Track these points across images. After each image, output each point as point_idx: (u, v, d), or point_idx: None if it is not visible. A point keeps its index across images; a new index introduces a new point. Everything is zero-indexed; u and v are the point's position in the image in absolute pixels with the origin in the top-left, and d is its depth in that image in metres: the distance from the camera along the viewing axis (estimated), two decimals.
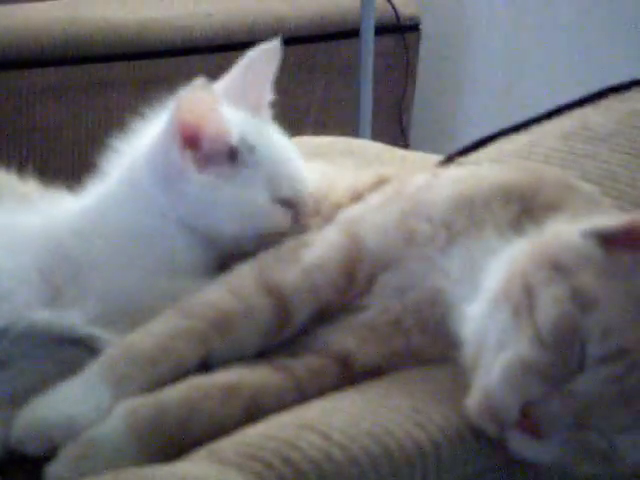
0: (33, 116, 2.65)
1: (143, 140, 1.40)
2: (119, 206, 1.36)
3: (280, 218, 1.36)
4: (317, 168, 1.48)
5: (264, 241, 1.34)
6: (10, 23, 2.71)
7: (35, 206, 1.39)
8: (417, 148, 2.92)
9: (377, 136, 2.78)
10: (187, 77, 1.31)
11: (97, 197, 1.38)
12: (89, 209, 1.37)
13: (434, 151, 1.76)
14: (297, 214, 1.37)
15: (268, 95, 1.44)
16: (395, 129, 3.10)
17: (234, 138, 1.35)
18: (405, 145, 3.07)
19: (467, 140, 1.62)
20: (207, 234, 1.36)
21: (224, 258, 1.35)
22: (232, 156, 1.35)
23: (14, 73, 2.66)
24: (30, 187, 1.49)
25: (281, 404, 1.20)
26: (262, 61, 1.43)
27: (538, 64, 3.17)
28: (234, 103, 1.40)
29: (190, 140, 1.33)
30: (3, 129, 2.61)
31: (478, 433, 1.16)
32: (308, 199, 1.38)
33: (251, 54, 1.43)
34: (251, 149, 1.36)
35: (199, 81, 1.32)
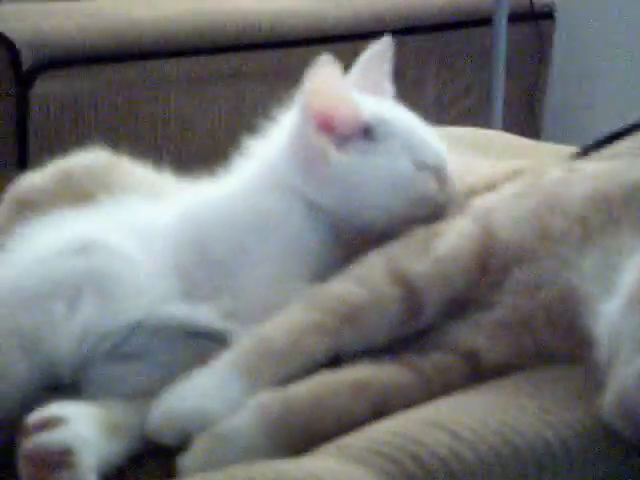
0: (168, 105, 2.65)
1: (278, 132, 1.38)
2: (258, 198, 1.35)
3: (426, 183, 1.34)
4: (454, 156, 1.44)
5: (417, 214, 1.33)
6: (144, 14, 2.73)
7: (171, 199, 1.39)
8: (549, 140, 2.89)
9: (508, 127, 2.75)
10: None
11: (235, 189, 1.37)
12: (224, 200, 1.36)
13: (566, 144, 1.72)
14: (442, 180, 1.35)
15: (388, 92, 1.43)
16: (527, 120, 3.07)
17: (366, 114, 1.34)
18: (537, 137, 3.03)
19: (601, 133, 1.59)
20: (349, 216, 1.34)
21: (351, 254, 1.32)
22: (367, 132, 1.34)
23: (150, 63, 2.68)
24: (166, 179, 1.49)
25: (409, 401, 1.18)
26: (375, 61, 1.42)
27: None
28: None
29: (324, 123, 1.32)
30: (140, 118, 2.61)
31: (610, 434, 1.13)
32: (448, 166, 1.36)
33: (363, 58, 1.43)
34: (385, 122, 1.34)
35: (324, 59, 1.31)
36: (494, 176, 1.37)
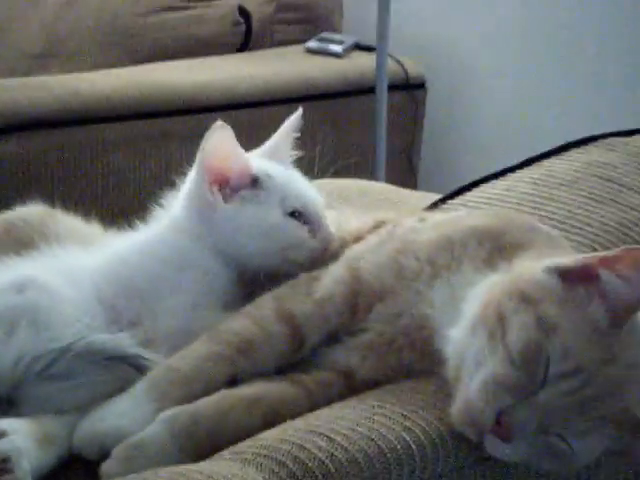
0: (107, 163, 2.63)
1: (183, 189, 1.38)
2: (166, 240, 1.34)
3: (295, 230, 1.33)
4: (332, 212, 1.45)
5: (290, 257, 1.32)
6: (87, 87, 2.71)
7: (97, 245, 1.38)
8: (425, 187, 2.91)
9: (390, 178, 2.78)
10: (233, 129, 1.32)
11: (149, 234, 1.37)
12: (144, 242, 1.35)
13: (440, 189, 1.74)
14: (314, 228, 1.34)
15: (290, 155, 1.42)
16: (405, 172, 3.08)
17: (254, 168, 1.34)
18: (414, 185, 3.04)
19: (462, 179, 1.62)
20: (237, 257, 1.33)
21: (253, 285, 1.32)
22: (254, 182, 1.33)
23: (91, 127, 2.65)
24: (94, 229, 1.48)
25: (295, 412, 1.18)
26: (287, 131, 1.42)
27: (525, 111, 3.15)
28: (271, 157, 1.40)
29: (218, 177, 1.32)
30: (81, 174, 2.58)
31: (458, 436, 1.14)
32: (322, 214, 1.36)
33: (283, 128, 1.43)
34: (268, 175, 1.34)
35: (218, 123, 1.31)
36: (361, 228, 1.37)
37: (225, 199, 1.33)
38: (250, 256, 1.33)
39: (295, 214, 1.34)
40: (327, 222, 1.35)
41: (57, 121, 2.61)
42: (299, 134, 1.44)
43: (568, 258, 1.17)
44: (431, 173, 3.19)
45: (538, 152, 1.63)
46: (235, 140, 1.33)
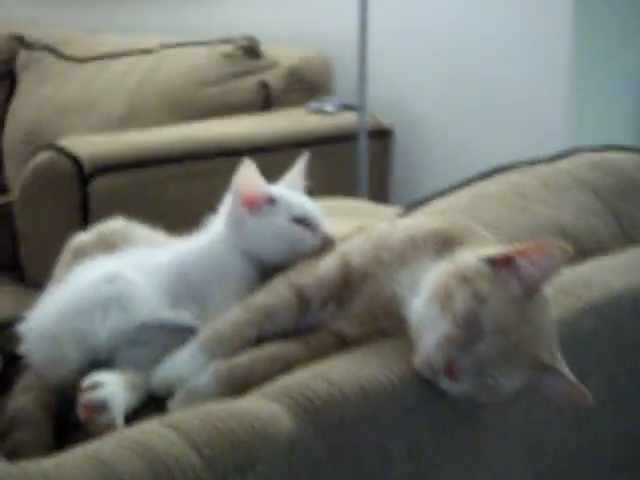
0: (169, 193, 2.65)
1: (222, 211, 1.37)
2: (213, 248, 1.34)
3: (300, 232, 1.32)
4: (327, 221, 1.44)
5: (296, 251, 1.31)
6: (158, 139, 2.73)
7: (164, 249, 1.38)
8: (395, 204, 2.92)
9: (370, 199, 2.77)
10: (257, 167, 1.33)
11: (201, 242, 1.36)
12: (196, 247, 1.35)
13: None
14: (314, 230, 1.33)
15: (302, 182, 1.42)
16: (380, 196, 3.08)
17: (271, 191, 1.33)
18: (387, 203, 3.04)
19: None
20: (260, 257, 1.32)
21: (266, 277, 1.31)
22: (271, 201, 1.32)
23: (158, 167, 2.66)
24: (160, 236, 1.48)
25: (302, 364, 1.17)
26: (300, 168, 1.42)
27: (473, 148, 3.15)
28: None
29: (246, 200, 1.32)
30: (150, 202, 2.58)
31: (420, 377, 1.14)
32: (319, 220, 1.34)
33: (296, 166, 1.42)
34: (281, 196, 1.33)
35: (246, 161, 1.32)
36: (348, 232, 1.36)
37: (251, 214, 1.32)
38: (269, 255, 1.32)
39: (299, 220, 1.32)
40: (324, 226, 1.34)
41: (135, 163, 2.61)
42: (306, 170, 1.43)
43: (495, 250, 1.18)
44: (399, 196, 3.19)
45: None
46: (257, 172, 1.32)
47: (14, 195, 2.64)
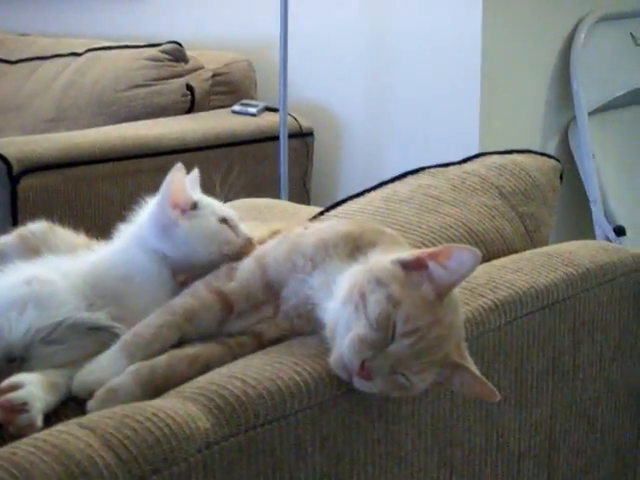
0: (96, 192, 2.61)
1: (144, 212, 1.32)
2: (129, 252, 1.29)
3: (227, 232, 1.28)
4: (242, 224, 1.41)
5: (225, 252, 1.27)
6: (84, 139, 2.66)
7: (80, 253, 1.33)
8: (315, 204, 2.91)
9: (290, 199, 2.75)
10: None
11: (118, 246, 1.32)
12: (112, 254, 1.31)
13: (325, 205, 1.72)
14: (236, 231, 1.30)
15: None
16: (301, 194, 3.07)
17: (194, 197, 1.30)
18: (307, 203, 3.03)
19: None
20: (186, 259, 1.27)
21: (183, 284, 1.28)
22: (194, 206, 1.29)
23: (85, 167, 2.61)
24: (81, 239, 1.42)
25: (222, 364, 1.13)
26: (193, 177, 1.37)
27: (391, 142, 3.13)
28: None
29: (175, 203, 1.27)
30: (78, 200, 2.55)
31: (333, 376, 1.11)
32: (237, 221, 1.31)
33: (192, 175, 1.37)
34: (201, 200, 1.30)
35: (178, 165, 1.28)
36: (263, 235, 1.33)
37: (183, 218, 1.28)
38: (197, 257, 1.27)
39: (224, 222, 1.29)
40: (242, 227, 1.31)
41: (63, 163, 2.55)
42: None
43: (407, 253, 1.14)
44: (319, 194, 3.18)
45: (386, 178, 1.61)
46: (183, 183, 1.29)
47: None
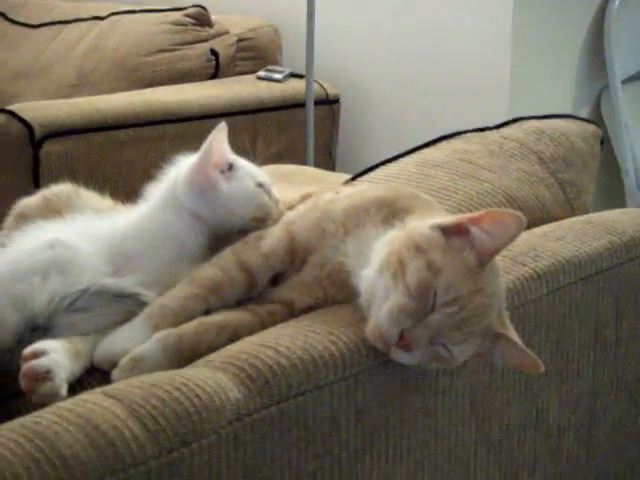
0: (120, 157, 2.55)
1: (175, 172, 1.27)
2: (158, 215, 1.24)
3: (263, 195, 1.25)
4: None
5: (258, 216, 1.24)
6: (107, 104, 2.62)
7: (107, 215, 1.28)
8: (340, 172, 2.85)
9: (316, 166, 2.71)
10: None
11: (145, 209, 1.26)
12: (141, 216, 1.25)
13: (351, 171, 1.67)
14: (269, 195, 1.26)
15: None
16: (327, 161, 3.01)
17: (230, 157, 1.25)
18: (333, 170, 2.97)
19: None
20: (222, 223, 1.24)
21: (217, 246, 1.22)
22: (230, 167, 1.24)
23: (109, 132, 2.55)
24: (106, 202, 1.38)
25: (251, 332, 1.08)
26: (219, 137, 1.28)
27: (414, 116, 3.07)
28: None
29: (219, 163, 1.23)
30: (102, 165, 2.50)
31: (369, 346, 1.06)
32: (271, 185, 1.27)
33: (213, 134, 1.28)
34: (236, 161, 1.26)
35: (222, 125, 1.23)
36: (293, 200, 1.28)
37: (224, 178, 1.24)
38: (233, 219, 1.24)
39: (260, 186, 1.25)
40: (275, 191, 1.27)
41: (85, 129, 2.50)
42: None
43: (447, 218, 1.09)
44: (344, 162, 3.12)
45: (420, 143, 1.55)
46: (223, 144, 1.24)
47: None
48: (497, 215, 1.04)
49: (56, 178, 2.41)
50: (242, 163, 1.26)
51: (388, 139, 3.11)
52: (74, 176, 2.47)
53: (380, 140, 3.15)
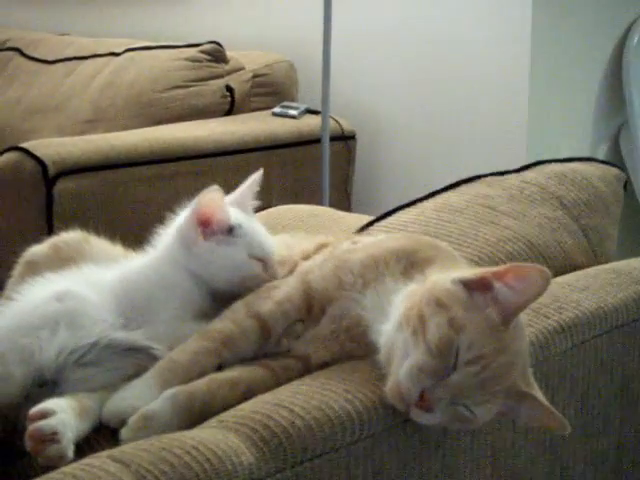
0: (133, 195, 2.51)
1: (178, 220, 1.24)
2: (160, 265, 1.21)
3: (254, 267, 1.20)
4: (283, 239, 1.33)
5: (247, 285, 1.18)
6: (122, 141, 2.58)
7: (117, 264, 1.24)
8: (356, 209, 2.81)
9: (331, 203, 2.67)
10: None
11: (149, 259, 1.23)
12: (144, 267, 1.22)
13: (366, 210, 1.62)
14: (266, 266, 1.21)
15: (253, 202, 1.28)
16: (342, 199, 2.97)
17: (232, 220, 1.21)
18: (349, 207, 2.94)
19: (388, 206, 1.49)
20: (210, 282, 1.19)
21: (223, 301, 1.18)
22: (230, 230, 1.20)
23: (122, 170, 2.51)
24: (117, 250, 1.34)
25: (265, 389, 1.04)
26: (252, 184, 1.28)
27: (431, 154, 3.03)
28: (237, 206, 1.26)
29: (203, 222, 1.19)
30: (114, 203, 2.46)
31: (387, 405, 1.01)
32: (273, 257, 1.22)
33: (248, 182, 1.28)
34: (240, 226, 1.21)
35: (213, 187, 1.19)
36: (308, 250, 1.24)
37: (205, 238, 1.20)
38: (216, 281, 1.19)
39: (255, 257, 1.21)
40: (275, 263, 1.22)
41: (99, 166, 2.46)
42: (259, 188, 1.29)
43: (469, 272, 1.04)
44: (360, 198, 3.08)
45: (437, 187, 1.50)
46: (223, 200, 1.21)
47: None
48: (522, 270, 0.99)
49: (69, 215, 2.41)
50: (246, 230, 1.22)
51: (404, 175, 3.07)
52: (87, 214, 2.47)
53: (396, 176, 3.11)
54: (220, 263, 1.19)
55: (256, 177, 1.28)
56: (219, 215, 1.19)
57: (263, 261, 1.20)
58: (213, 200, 1.19)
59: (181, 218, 1.23)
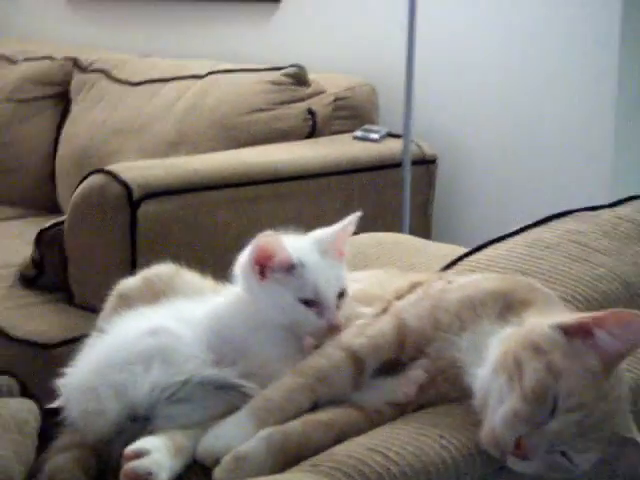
0: (215, 219, 2.50)
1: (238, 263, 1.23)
2: (240, 301, 1.20)
3: (302, 313, 1.16)
4: (376, 275, 1.32)
5: (305, 330, 1.16)
6: (202, 165, 2.60)
7: (207, 298, 1.24)
8: (436, 236, 2.78)
9: (412, 229, 2.65)
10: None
11: (234, 296, 1.22)
12: (230, 304, 1.21)
13: (447, 237, 1.59)
14: (322, 311, 1.16)
15: (341, 248, 1.23)
16: (423, 225, 2.94)
17: (294, 259, 1.17)
18: (429, 234, 2.92)
19: (468, 231, 1.46)
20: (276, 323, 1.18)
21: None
22: (290, 269, 1.17)
23: (206, 193, 2.52)
24: (207, 283, 1.33)
25: (359, 432, 1.04)
26: (347, 226, 1.24)
27: (515, 180, 3.00)
28: (320, 246, 1.21)
29: (260, 262, 1.17)
30: (197, 227, 2.46)
31: (482, 451, 1.00)
32: (332, 302, 1.17)
33: (344, 223, 1.23)
34: (302, 266, 1.17)
35: (267, 232, 1.17)
36: (401, 288, 1.21)
37: (262, 277, 1.17)
38: (275, 321, 1.17)
39: (306, 301, 1.16)
40: (334, 308, 1.17)
41: (182, 189, 2.47)
42: (352, 234, 1.25)
43: (568, 317, 1.03)
44: (441, 224, 3.05)
45: (516, 215, 1.48)
46: (280, 240, 1.17)
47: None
48: (623, 316, 0.97)
49: (153, 238, 2.43)
50: (309, 271, 1.17)
51: (487, 203, 3.04)
52: (170, 236, 2.49)
53: (477, 201, 3.08)
54: (268, 303, 1.17)
55: (352, 219, 1.23)
56: (278, 253, 1.16)
57: (316, 306, 1.16)
58: (268, 242, 1.17)
59: (241, 257, 1.21)
